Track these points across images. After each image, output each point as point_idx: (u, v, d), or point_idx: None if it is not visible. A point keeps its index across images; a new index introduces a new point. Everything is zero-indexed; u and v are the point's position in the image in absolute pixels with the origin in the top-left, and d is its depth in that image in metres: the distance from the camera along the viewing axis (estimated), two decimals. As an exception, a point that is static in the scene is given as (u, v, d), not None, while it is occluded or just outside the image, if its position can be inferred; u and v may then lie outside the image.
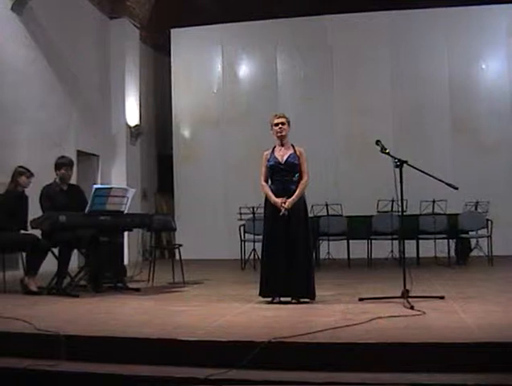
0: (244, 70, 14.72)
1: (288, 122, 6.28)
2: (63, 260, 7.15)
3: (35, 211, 7.29)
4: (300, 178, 6.18)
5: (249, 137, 13.45)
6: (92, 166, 12.42)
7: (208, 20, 14.14)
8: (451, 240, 10.65)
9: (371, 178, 12.53)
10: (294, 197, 6.05)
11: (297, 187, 6.11)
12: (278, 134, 6.23)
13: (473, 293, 6.53)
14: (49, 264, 7.24)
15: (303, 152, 6.24)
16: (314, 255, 9.34)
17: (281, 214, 6.00)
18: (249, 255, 10.65)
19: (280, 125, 6.22)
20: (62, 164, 7.47)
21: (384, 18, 13.71)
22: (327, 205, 10.90)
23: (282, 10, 13.88)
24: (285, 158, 6.17)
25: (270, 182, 6.24)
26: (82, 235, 7.23)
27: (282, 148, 6.24)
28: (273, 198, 6.08)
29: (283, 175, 6.16)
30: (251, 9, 14.18)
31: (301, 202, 6.13)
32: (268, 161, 6.20)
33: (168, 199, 14.97)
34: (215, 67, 14.68)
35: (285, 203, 6.01)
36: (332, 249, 11.60)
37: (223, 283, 8.49)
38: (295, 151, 6.21)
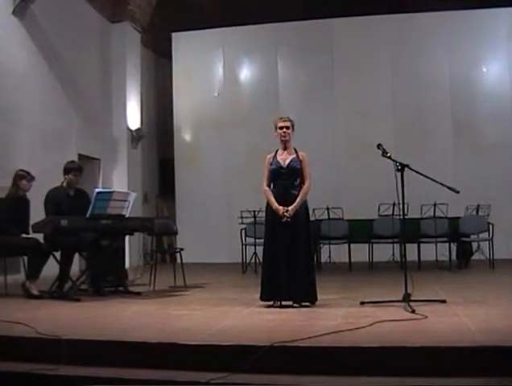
0: (245, 73, 14.73)
1: (293, 126, 6.27)
2: (64, 264, 7.15)
3: (36, 214, 7.29)
4: (302, 182, 6.18)
5: (251, 140, 13.45)
6: (94, 169, 12.42)
7: (209, 23, 14.15)
8: (452, 244, 10.63)
9: (372, 182, 12.51)
10: (296, 204, 6.04)
11: (298, 192, 6.11)
12: (282, 138, 6.22)
13: (475, 297, 6.52)
14: (51, 268, 7.24)
15: (306, 156, 6.23)
16: (315, 258, 9.34)
17: (283, 220, 6.00)
18: (251, 259, 10.64)
19: (285, 129, 6.20)
20: (71, 169, 7.47)
21: (385, 22, 13.70)
22: (328, 209, 10.89)
23: (283, 13, 13.90)
24: (287, 162, 6.16)
25: (272, 186, 6.23)
26: (83, 239, 7.24)
27: (285, 152, 6.23)
28: (275, 205, 6.06)
29: (285, 179, 6.14)
30: (252, 12, 14.21)
31: (303, 206, 6.13)
32: (271, 164, 6.20)
33: (169, 202, 14.96)
34: (216, 71, 14.69)
35: (287, 211, 6.01)
36: (333, 253, 11.58)
37: (224, 287, 8.49)
38: (297, 155, 6.20)
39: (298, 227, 6.04)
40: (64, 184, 7.46)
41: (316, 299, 6.06)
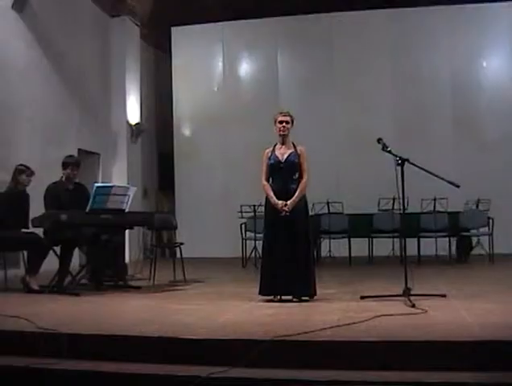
0: (245, 68, 14.71)
1: (292, 121, 6.27)
2: (64, 259, 7.16)
3: (36, 209, 7.29)
4: (300, 176, 6.18)
5: (250, 135, 13.43)
6: (94, 164, 12.42)
7: (208, 18, 14.13)
8: (452, 238, 10.65)
9: (372, 176, 12.50)
10: (294, 198, 6.05)
11: (297, 186, 6.11)
12: (281, 132, 6.22)
13: (474, 292, 6.52)
14: (50, 263, 7.24)
15: (304, 151, 6.23)
16: (315, 253, 9.36)
17: (282, 214, 6.00)
18: (251, 253, 10.64)
19: (284, 124, 6.20)
20: (68, 163, 7.47)
21: (386, 16, 13.69)
22: (328, 203, 10.89)
23: (283, 8, 13.87)
24: (285, 156, 6.16)
25: (270, 180, 6.23)
26: (83, 233, 7.24)
27: (283, 146, 6.24)
28: (274, 199, 6.07)
29: (283, 174, 6.15)
30: (252, 7, 14.18)
31: (302, 200, 6.13)
32: (269, 159, 6.20)
33: (169, 197, 14.96)
34: (216, 65, 14.67)
35: (285, 205, 6.01)
36: (333, 247, 11.58)
37: (224, 281, 8.50)
38: (295, 150, 6.20)
39: (297, 222, 6.05)
40: (63, 178, 7.46)
41: (316, 293, 6.07)
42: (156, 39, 15.30)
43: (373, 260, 10.69)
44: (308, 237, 6.16)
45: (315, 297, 6.06)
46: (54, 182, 7.44)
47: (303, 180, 6.17)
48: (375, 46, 13.76)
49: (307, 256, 6.09)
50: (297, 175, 6.18)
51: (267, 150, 6.29)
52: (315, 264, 6.41)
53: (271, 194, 6.12)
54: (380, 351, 3.87)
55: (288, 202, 6.02)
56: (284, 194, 6.08)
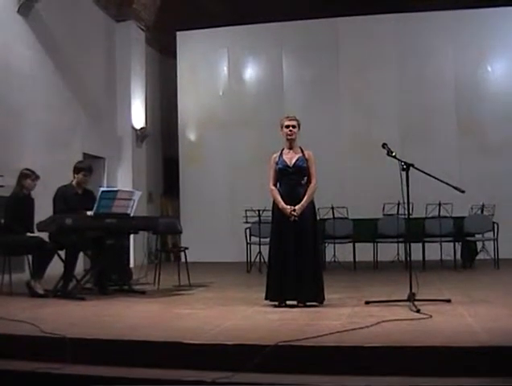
0: (250, 72, 14.74)
1: (299, 125, 6.27)
2: (69, 263, 7.15)
3: (41, 213, 7.30)
4: (309, 181, 6.17)
5: (255, 139, 13.46)
6: (99, 168, 12.40)
7: (213, 23, 14.16)
8: (457, 243, 10.61)
9: (377, 181, 12.50)
10: (303, 203, 6.03)
11: (305, 191, 6.10)
12: (288, 137, 6.22)
13: (480, 297, 6.50)
14: (55, 267, 7.25)
15: (312, 155, 6.23)
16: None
17: (291, 219, 5.99)
18: (255, 258, 10.63)
19: (291, 128, 6.20)
20: (81, 169, 7.51)
21: (390, 21, 13.71)
22: (333, 208, 10.87)
23: (288, 13, 13.89)
24: (293, 161, 6.15)
25: (278, 185, 6.22)
26: (88, 237, 7.25)
27: (291, 151, 6.23)
28: (281, 204, 6.05)
29: (292, 179, 6.14)
30: (257, 11, 14.20)
31: (310, 205, 6.12)
32: (276, 164, 6.19)
33: (174, 201, 14.98)
34: (221, 70, 14.70)
35: (294, 210, 6.00)
36: (337, 252, 11.56)
37: (228, 286, 8.48)
38: (303, 154, 6.20)
39: (305, 227, 6.02)
40: (74, 183, 7.50)
41: (324, 299, 6.04)
42: (161, 44, 15.33)
43: (377, 265, 10.67)
44: (317, 242, 6.15)
45: (322, 303, 6.04)
46: (64, 186, 7.48)
47: (312, 184, 6.16)
48: (380, 51, 13.77)
49: (315, 261, 6.06)
50: (305, 180, 6.18)
51: (274, 155, 6.28)
52: (322, 269, 6.39)
53: (279, 198, 6.10)
54: (384, 356, 3.86)
55: (296, 207, 6.01)
56: (292, 198, 6.06)
